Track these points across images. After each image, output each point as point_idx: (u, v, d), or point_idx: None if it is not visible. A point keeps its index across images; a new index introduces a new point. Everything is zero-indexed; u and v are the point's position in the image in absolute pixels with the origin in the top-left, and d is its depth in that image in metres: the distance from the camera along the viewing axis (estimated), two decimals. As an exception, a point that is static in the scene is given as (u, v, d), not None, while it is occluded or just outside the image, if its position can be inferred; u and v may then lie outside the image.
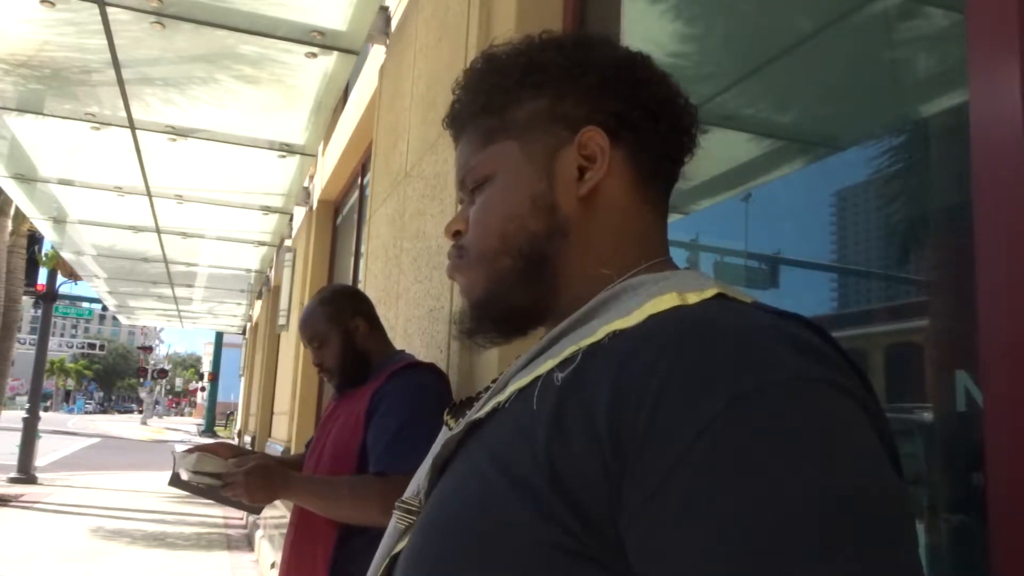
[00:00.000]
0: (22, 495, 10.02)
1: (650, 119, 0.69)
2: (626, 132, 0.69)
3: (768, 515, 0.43)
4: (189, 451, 1.80)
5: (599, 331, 0.57)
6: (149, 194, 5.50)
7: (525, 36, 0.74)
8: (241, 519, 8.82)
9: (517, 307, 0.70)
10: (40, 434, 11.75)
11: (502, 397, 0.61)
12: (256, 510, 2.00)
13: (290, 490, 1.75)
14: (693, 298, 0.56)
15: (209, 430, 26.13)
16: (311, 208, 6.52)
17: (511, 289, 0.70)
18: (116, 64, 3.47)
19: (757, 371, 0.48)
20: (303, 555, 1.84)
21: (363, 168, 5.27)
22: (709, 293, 0.57)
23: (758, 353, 0.50)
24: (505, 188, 0.71)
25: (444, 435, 0.71)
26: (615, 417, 0.50)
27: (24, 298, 12.31)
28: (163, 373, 52.07)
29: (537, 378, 0.58)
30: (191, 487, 1.84)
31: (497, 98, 0.72)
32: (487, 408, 0.62)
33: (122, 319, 15.02)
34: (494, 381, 0.67)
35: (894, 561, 0.44)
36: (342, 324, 1.95)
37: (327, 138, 5.80)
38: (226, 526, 8.52)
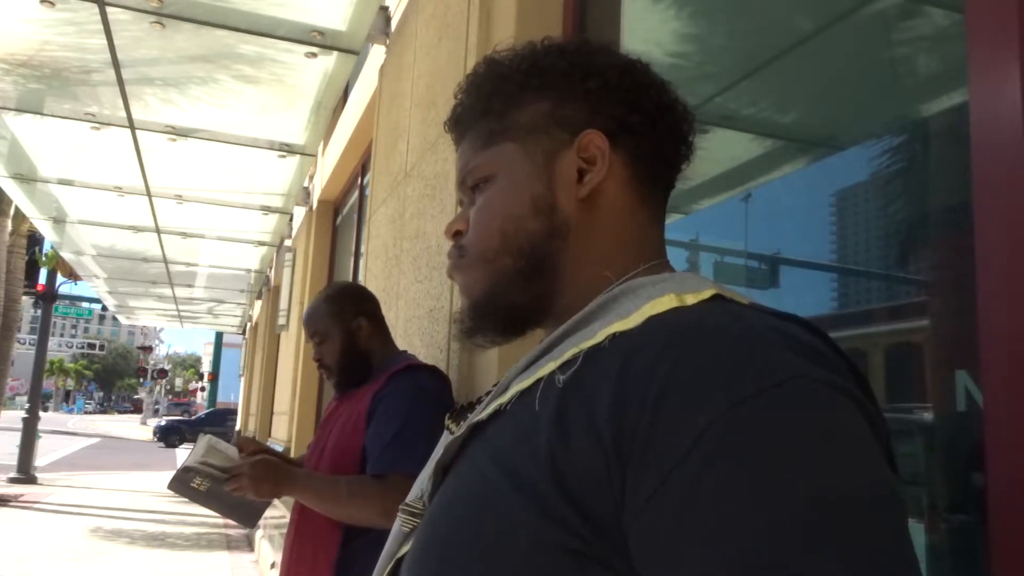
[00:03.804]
0: (22, 495, 10.02)
1: (649, 124, 0.70)
2: (625, 136, 0.70)
3: (764, 518, 0.44)
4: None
5: (599, 333, 0.58)
6: (149, 194, 5.50)
7: (528, 42, 0.75)
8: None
9: (516, 306, 0.71)
10: (40, 434, 11.77)
11: (504, 399, 0.61)
12: (252, 521, 2.00)
13: (293, 486, 1.75)
14: (691, 299, 0.57)
15: (209, 430, 26.06)
16: (311, 208, 6.52)
17: (510, 288, 0.70)
18: (116, 64, 3.47)
19: (754, 374, 0.49)
20: (304, 555, 1.84)
21: (363, 168, 5.27)
22: (707, 294, 0.58)
23: (755, 355, 0.50)
24: (505, 189, 0.71)
25: (446, 439, 0.71)
26: (617, 418, 0.50)
27: (24, 298, 12.31)
28: (163, 373, 52.08)
29: (539, 380, 0.59)
30: (192, 492, 1.84)
31: (499, 101, 0.72)
32: (489, 410, 0.62)
33: (122, 319, 15.03)
34: (495, 385, 0.67)
35: (892, 563, 0.44)
36: (344, 323, 1.95)
37: (327, 138, 5.80)
38: (226, 526, 8.51)
